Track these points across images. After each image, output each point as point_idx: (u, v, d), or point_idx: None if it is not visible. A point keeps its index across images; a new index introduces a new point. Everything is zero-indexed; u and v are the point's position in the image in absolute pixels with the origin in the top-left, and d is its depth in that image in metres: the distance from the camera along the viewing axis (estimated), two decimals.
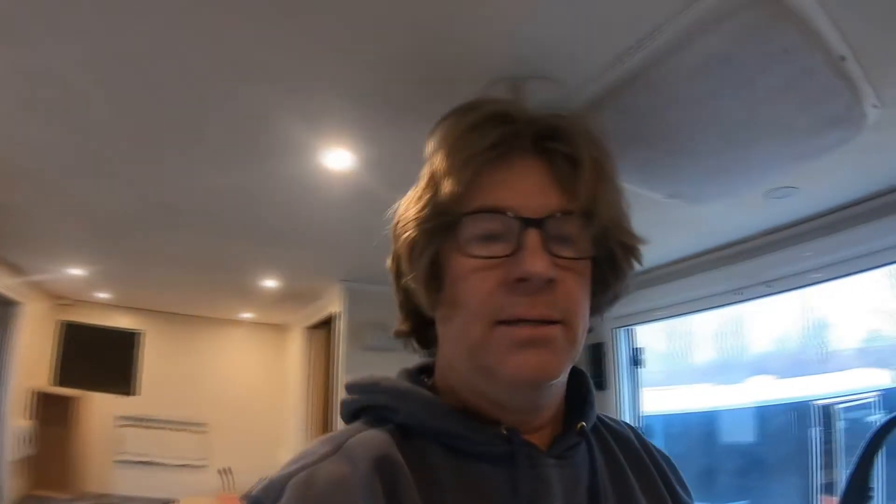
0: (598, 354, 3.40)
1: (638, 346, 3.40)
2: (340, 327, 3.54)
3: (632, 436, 0.74)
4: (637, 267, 0.67)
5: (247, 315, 5.18)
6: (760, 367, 4.21)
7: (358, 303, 3.54)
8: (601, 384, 3.38)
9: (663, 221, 2.56)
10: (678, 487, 0.72)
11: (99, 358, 4.74)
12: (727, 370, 3.51)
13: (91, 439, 4.62)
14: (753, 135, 1.65)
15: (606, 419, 0.75)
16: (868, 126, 1.63)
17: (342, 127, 1.83)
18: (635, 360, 3.36)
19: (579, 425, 0.63)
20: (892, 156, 2.06)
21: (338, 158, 2.02)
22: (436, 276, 0.60)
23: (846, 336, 3.21)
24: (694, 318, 3.24)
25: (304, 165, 2.07)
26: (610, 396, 3.33)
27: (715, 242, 2.79)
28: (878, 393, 3.04)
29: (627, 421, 3.25)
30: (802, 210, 2.46)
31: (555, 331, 0.56)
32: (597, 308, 0.67)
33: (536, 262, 0.54)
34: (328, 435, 0.58)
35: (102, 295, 4.54)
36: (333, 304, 3.79)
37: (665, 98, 1.53)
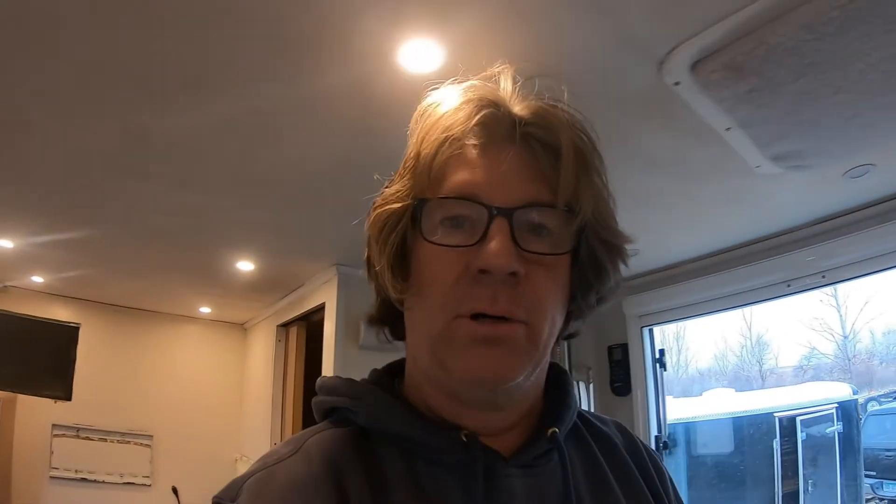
0: (621, 356, 3.10)
1: (661, 348, 3.12)
2: (333, 321, 3.08)
3: (618, 436, 0.70)
4: (624, 268, 0.63)
5: (204, 310, 4.62)
6: (714, 380, 4.34)
7: (354, 292, 3.08)
8: (624, 388, 3.07)
9: (727, 200, 2.30)
10: (665, 493, 0.68)
11: (31, 354, 4.06)
12: (681, 383, 3.61)
13: (19, 450, 3.95)
14: None
15: (592, 418, 0.71)
16: None
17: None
18: (660, 362, 3.07)
19: (550, 431, 0.60)
20: None
21: (417, 54, 1.49)
22: (403, 261, 0.58)
23: (786, 352, 3.31)
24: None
25: (356, 68, 1.55)
26: (633, 402, 3.03)
27: (769, 229, 2.56)
28: (835, 405, 3.20)
29: (653, 429, 2.94)
30: (875, 191, 2.29)
31: (516, 330, 0.53)
32: (578, 311, 0.62)
33: (499, 254, 0.51)
34: (295, 435, 0.59)
35: (36, 279, 3.92)
36: (320, 294, 3.34)
37: (815, 30, 1.27)
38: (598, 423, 0.70)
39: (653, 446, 2.97)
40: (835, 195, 2.31)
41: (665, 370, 3.10)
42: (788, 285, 2.61)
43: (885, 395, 4.12)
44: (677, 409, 3.84)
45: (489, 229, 0.52)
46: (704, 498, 3.41)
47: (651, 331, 3.10)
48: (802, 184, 2.19)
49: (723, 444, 3.50)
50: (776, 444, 3.19)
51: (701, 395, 4.38)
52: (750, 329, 5.01)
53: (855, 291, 3.94)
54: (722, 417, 3.58)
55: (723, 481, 3.40)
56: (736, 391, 4.25)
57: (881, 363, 4.34)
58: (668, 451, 3.00)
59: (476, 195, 0.54)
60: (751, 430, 3.42)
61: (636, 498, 0.64)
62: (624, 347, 3.10)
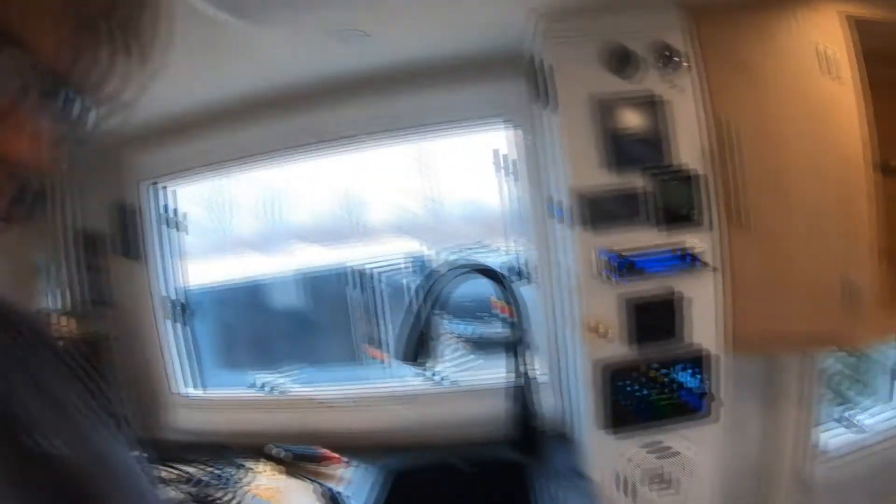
0: (125, 216, 2.69)
1: (177, 208, 2.79)
2: None
3: None
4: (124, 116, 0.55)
5: None
6: (301, 237, 4.44)
7: None
8: (131, 251, 2.70)
9: (212, 48, 1.94)
10: None
11: None
12: (269, 240, 3.57)
13: None
14: None
15: None
16: None
17: None
18: (175, 224, 2.77)
19: None
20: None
21: None
22: None
23: (378, 210, 3.50)
24: (234, 187, 2.92)
25: None
26: (143, 267, 2.71)
27: (269, 85, 2.33)
28: (410, 259, 3.45)
29: (169, 293, 2.68)
30: (370, 59, 2.20)
31: None
32: None
33: None
34: None
35: None
36: None
37: None
38: None
39: (171, 312, 2.74)
40: (329, 58, 2.16)
41: (184, 232, 2.81)
42: (295, 149, 2.52)
43: (458, 249, 4.64)
44: (260, 267, 3.66)
45: None
46: (288, 350, 3.35)
47: (165, 189, 2.74)
48: (286, 42, 1.96)
49: (301, 299, 3.48)
50: (350, 293, 3.30)
51: (285, 251, 4.29)
52: (344, 187, 5.06)
53: (438, 158, 4.16)
54: (302, 273, 3.51)
55: (305, 333, 3.40)
56: (324, 246, 4.24)
57: (463, 223, 4.84)
58: (186, 314, 2.81)
59: None
60: (328, 283, 3.46)
61: None
62: (130, 207, 2.68)
